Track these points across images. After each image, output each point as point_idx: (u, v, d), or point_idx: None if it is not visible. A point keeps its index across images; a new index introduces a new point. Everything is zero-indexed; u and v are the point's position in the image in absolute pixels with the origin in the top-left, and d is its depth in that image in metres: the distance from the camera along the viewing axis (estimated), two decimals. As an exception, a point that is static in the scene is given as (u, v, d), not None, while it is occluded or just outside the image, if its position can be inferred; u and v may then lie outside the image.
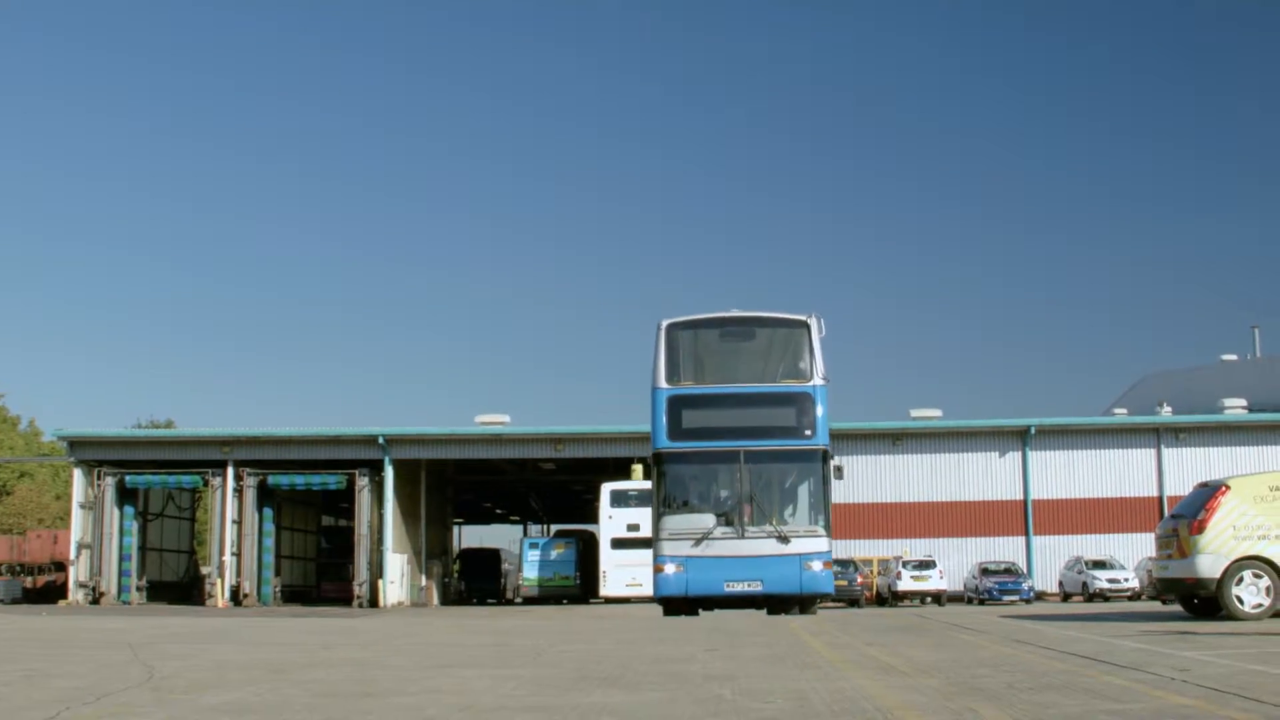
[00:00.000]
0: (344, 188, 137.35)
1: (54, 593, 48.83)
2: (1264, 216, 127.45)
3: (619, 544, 43.43)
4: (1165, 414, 48.27)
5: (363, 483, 44.85)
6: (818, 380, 21.70)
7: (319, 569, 57.93)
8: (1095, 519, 44.15)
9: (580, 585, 48.89)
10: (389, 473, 45.10)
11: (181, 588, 49.97)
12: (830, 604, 31.94)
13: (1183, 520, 16.57)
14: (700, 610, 21.85)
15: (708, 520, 21.47)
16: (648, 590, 28.43)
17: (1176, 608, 18.87)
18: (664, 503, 21.62)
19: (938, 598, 38.81)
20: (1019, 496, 44.44)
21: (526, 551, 51.35)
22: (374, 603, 43.53)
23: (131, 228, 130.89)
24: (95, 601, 43.66)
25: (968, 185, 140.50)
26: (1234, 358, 62.74)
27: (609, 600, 44.06)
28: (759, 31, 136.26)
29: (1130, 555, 41.37)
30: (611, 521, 44.20)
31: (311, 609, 39.97)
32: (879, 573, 42.18)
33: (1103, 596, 37.44)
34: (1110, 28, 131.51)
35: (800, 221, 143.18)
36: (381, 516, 44.99)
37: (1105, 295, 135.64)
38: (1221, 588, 15.76)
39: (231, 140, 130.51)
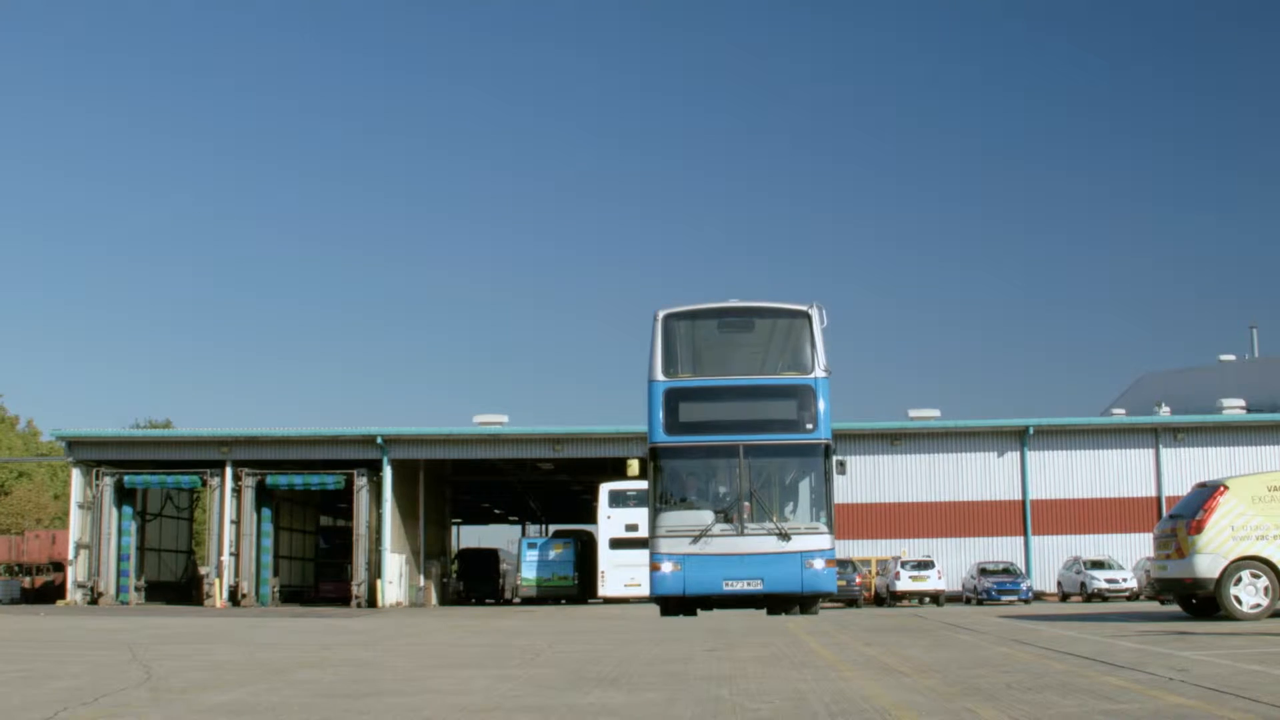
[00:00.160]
0: (342, 188, 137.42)
1: (52, 593, 48.81)
2: (1263, 216, 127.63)
3: (617, 544, 43.46)
4: (1163, 414, 48.30)
5: (361, 483, 44.85)
6: (819, 372, 21.13)
7: (317, 569, 57.93)
8: (1093, 519, 44.17)
9: (578, 585, 48.91)
10: (387, 473, 45.10)
11: (180, 588, 49.96)
12: (828, 604, 31.92)
13: (1181, 520, 16.56)
14: (699, 610, 21.47)
15: (706, 517, 20.96)
16: (646, 590, 28.37)
17: (1175, 608, 18.87)
18: (661, 499, 21.11)
19: (936, 598, 38.82)
20: (1017, 496, 44.46)
21: (525, 552, 51.36)
22: (372, 603, 43.52)
23: (131, 228, 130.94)
24: (93, 602, 43.64)
25: (966, 185, 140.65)
26: (1232, 358, 62.80)
27: (607, 600, 44.09)
28: (759, 31, 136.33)
29: (1128, 555, 41.39)
30: (610, 522, 44.24)
31: (310, 609, 39.95)
32: (877, 573, 42.20)
33: (1101, 596, 37.45)
34: (1110, 28, 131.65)
35: (799, 221, 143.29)
36: (380, 516, 44.98)
37: (1104, 295, 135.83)
38: (1220, 588, 15.76)
39: (231, 140, 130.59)
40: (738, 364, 23.05)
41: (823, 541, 20.79)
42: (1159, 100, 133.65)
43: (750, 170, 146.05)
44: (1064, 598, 40.51)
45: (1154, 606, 26.29)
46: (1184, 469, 42.70)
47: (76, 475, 45.44)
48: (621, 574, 42.83)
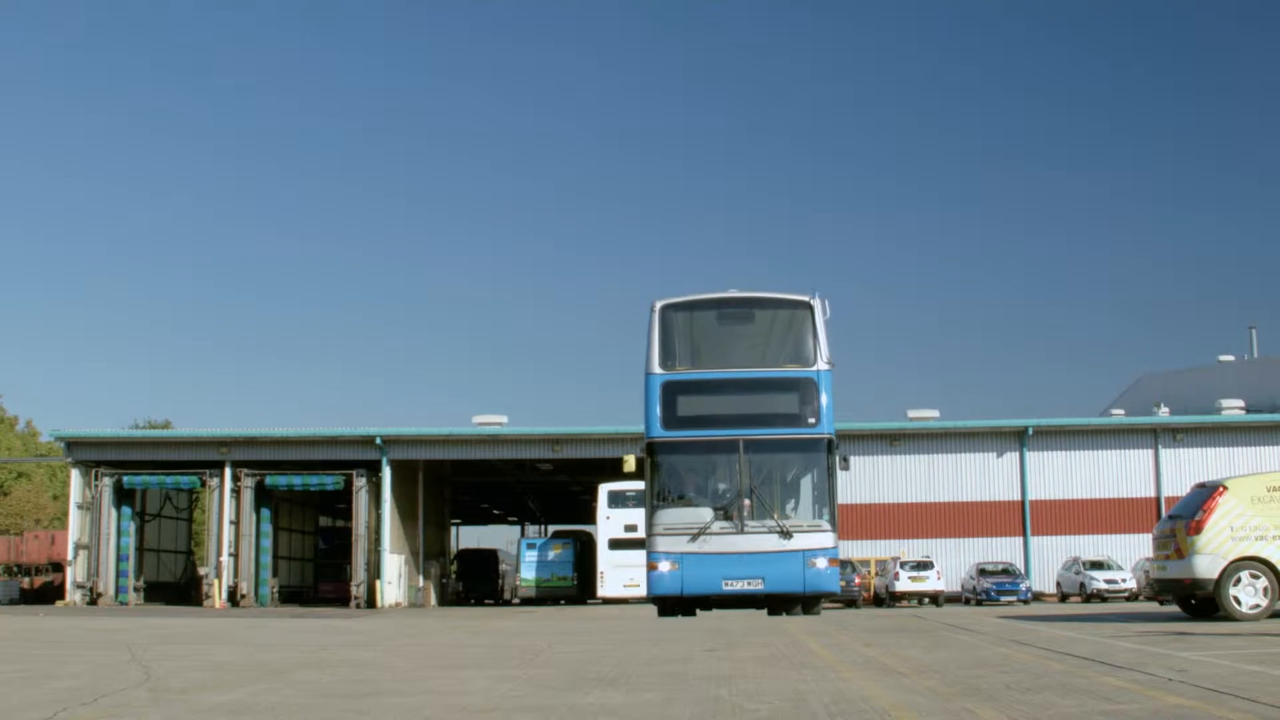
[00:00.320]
0: (342, 188, 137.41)
1: (51, 593, 48.79)
2: (1262, 216, 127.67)
3: (616, 545, 43.47)
4: (1163, 415, 48.31)
5: (360, 483, 44.84)
6: (822, 365, 20.39)
7: (316, 570, 57.92)
8: (1093, 519, 44.18)
9: (578, 586, 48.92)
10: (386, 473, 45.08)
11: (179, 588, 49.94)
12: (827, 605, 31.91)
13: (1180, 521, 16.57)
14: (697, 610, 20.80)
15: (705, 514, 20.24)
16: (645, 591, 28.33)
17: (1174, 608, 18.87)
18: (658, 496, 20.40)
19: (935, 598, 38.82)
20: (1016, 497, 44.46)
21: (524, 552, 51.38)
22: (371, 603, 43.50)
23: (131, 228, 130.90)
24: (93, 602, 43.62)
25: (966, 185, 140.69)
26: (1231, 358, 62.82)
27: (606, 601, 44.08)
28: (759, 31, 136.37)
29: (1128, 556, 41.38)
30: (609, 522, 44.25)
31: (309, 609, 39.95)
32: (876, 573, 42.19)
33: (1100, 597, 37.45)
34: (1110, 28, 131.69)
35: (799, 221, 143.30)
36: (379, 517, 44.98)
37: (1103, 295, 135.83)
38: (1219, 588, 15.76)
39: (231, 140, 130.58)
40: (737, 356, 22.30)
41: (826, 540, 20.06)
42: (1159, 100, 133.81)
43: (750, 170, 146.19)
44: (1063, 598, 40.51)
45: (1153, 607, 26.29)
46: (1183, 469, 42.70)
47: (75, 476, 45.42)
48: (621, 574, 42.84)
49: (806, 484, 21.28)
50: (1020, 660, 9.99)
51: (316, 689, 8.44)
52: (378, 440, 44.77)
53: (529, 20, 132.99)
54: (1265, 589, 15.71)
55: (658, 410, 20.48)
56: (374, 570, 44.64)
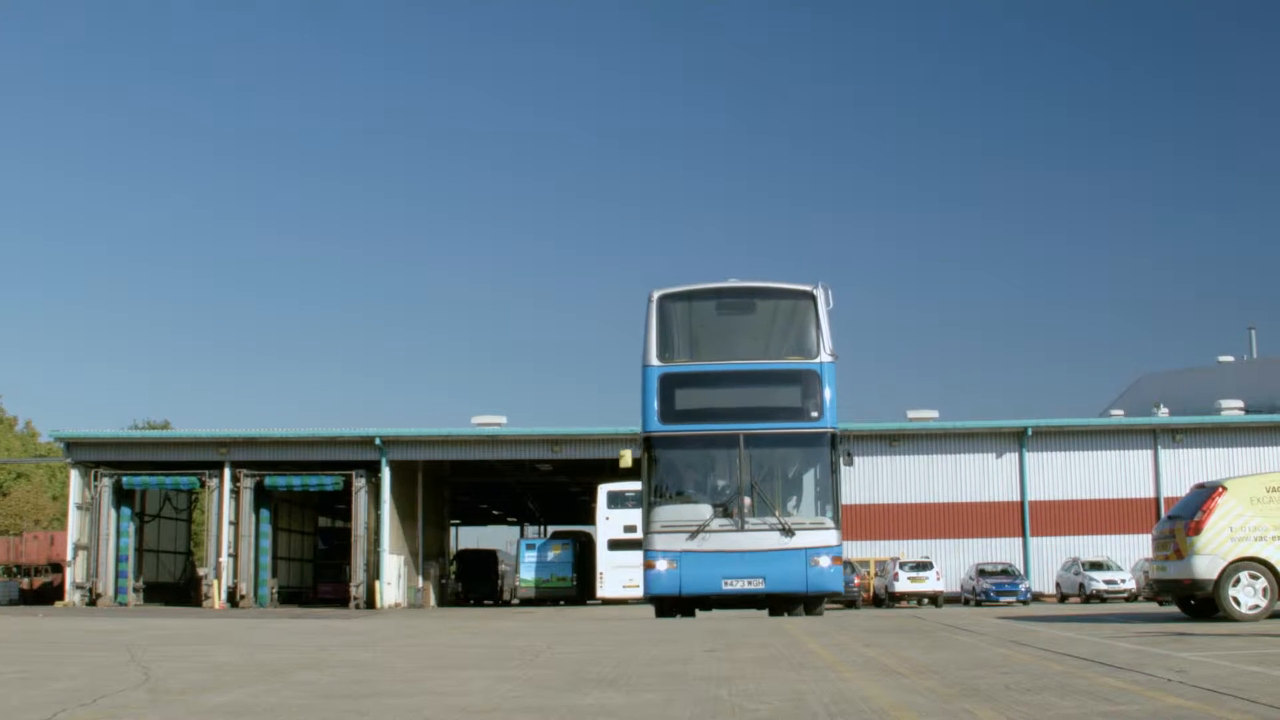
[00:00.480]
0: (342, 188, 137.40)
1: (51, 594, 48.78)
2: (1262, 216, 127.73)
3: (616, 545, 43.49)
4: (1162, 415, 48.33)
5: (359, 484, 44.83)
6: (825, 357, 19.64)
7: (316, 570, 57.94)
8: (1092, 520, 44.19)
9: (577, 586, 48.94)
10: (386, 474, 45.09)
11: (178, 589, 49.93)
12: (827, 605, 31.89)
13: (1180, 521, 16.56)
14: (697, 610, 20.45)
15: (704, 511, 19.58)
16: (643, 591, 28.30)
17: (1173, 609, 18.87)
18: (655, 492, 19.72)
19: (935, 599, 38.82)
20: (1016, 498, 44.47)
21: (523, 553, 51.41)
22: (371, 604, 43.51)
23: (131, 228, 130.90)
24: (92, 603, 43.62)
25: (966, 185, 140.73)
26: (1230, 359, 62.87)
27: (606, 601, 44.10)
28: (759, 31, 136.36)
29: (1127, 556, 41.41)
30: (608, 523, 44.28)
31: (308, 610, 39.94)
32: (876, 574, 42.19)
33: (1099, 598, 37.46)
34: (1110, 28, 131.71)
35: (799, 221, 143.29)
36: (378, 518, 44.97)
37: (1103, 296, 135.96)
38: (1218, 589, 15.76)
39: (231, 140, 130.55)
40: (738, 348, 21.47)
41: (829, 538, 19.45)
42: (1159, 100, 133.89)
43: (750, 170, 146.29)
44: (1062, 599, 40.52)
45: (1152, 607, 26.29)
46: (1183, 470, 42.72)
47: (75, 476, 45.42)
48: (620, 575, 42.85)
49: (809, 480, 20.57)
50: (1020, 661, 9.99)
51: (316, 690, 8.43)
52: (377, 441, 44.77)
53: (529, 20, 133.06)
54: (1265, 589, 15.70)
55: (655, 403, 19.74)
56: (373, 571, 44.63)
